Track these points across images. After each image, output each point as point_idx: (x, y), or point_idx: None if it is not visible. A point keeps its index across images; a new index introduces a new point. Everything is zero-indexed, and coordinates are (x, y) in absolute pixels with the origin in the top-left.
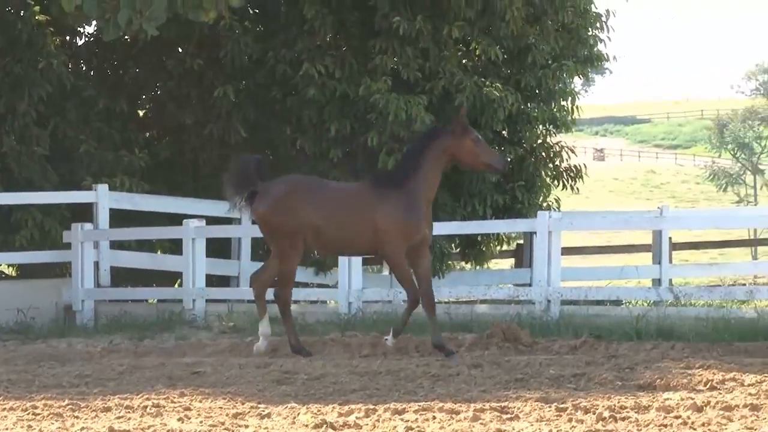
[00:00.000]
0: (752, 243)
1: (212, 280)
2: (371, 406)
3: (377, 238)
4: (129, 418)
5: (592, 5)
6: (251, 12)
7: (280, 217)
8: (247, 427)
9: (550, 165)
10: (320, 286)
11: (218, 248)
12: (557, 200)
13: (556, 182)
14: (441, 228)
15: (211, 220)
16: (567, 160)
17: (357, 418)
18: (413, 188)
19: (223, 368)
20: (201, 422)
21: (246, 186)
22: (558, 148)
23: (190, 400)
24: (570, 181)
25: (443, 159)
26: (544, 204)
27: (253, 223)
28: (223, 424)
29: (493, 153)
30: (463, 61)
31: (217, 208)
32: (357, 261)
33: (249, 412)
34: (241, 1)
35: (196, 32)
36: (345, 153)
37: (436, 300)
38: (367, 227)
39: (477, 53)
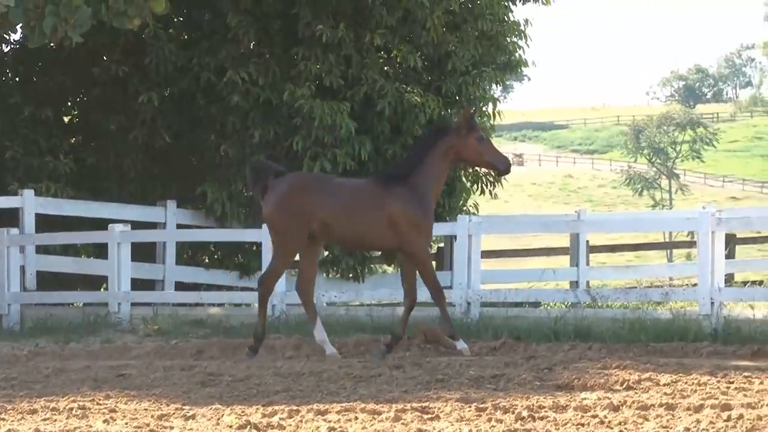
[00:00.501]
0: (667, 246)
1: (137, 284)
2: (294, 407)
3: (396, 235)
4: (55, 420)
5: (511, 13)
6: (175, 20)
7: (284, 214)
8: (172, 428)
9: (470, 170)
10: (244, 289)
11: (143, 252)
12: (476, 205)
13: (475, 187)
14: None
15: (136, 225)
16: None
17: (280, 418)
18: (421, 185)
19: (148, 370)
20: (126, 424)
21: (258, 183)
22: None
23: (115, 402)
24: (489, 186)
25: (449, 157)
26: (464, 208)
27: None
28: (148, 425)
29: (496, 153)
30: (385, 68)
31: (142, 212)
32: None
33: (174, 413)
34: (166, 8)
35: (121, 39)
36: (269, 158)
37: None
38: (380, 224)
39: (398, 60)
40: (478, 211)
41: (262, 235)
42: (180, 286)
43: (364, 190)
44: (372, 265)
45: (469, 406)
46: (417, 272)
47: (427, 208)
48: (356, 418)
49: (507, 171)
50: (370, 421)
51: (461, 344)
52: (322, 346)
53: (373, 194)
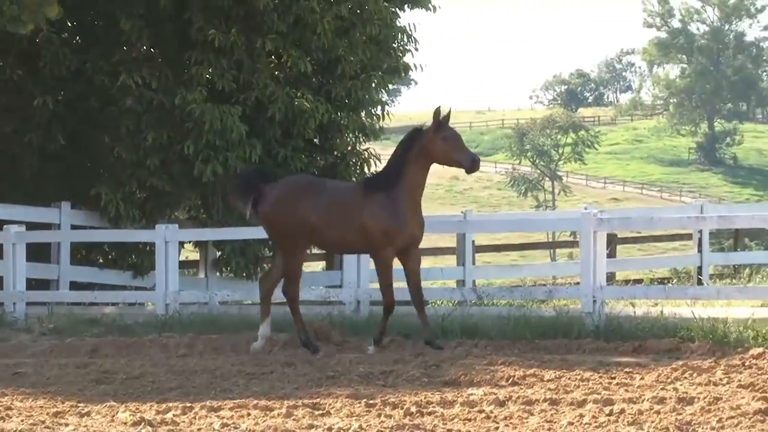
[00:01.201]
0: (551, 245)
1: (32, 284)
2: (188, 404)
3: (366, 239)
4: None
5: (398, 19)
6: (69, 24)
7: (280, 217)
8: (67, 425)
9: (360, 171)
10: (138, 288)
11: (38, 253)
12: None
13: None
14: (253, 232)
15: (31, 226)
16: (375, 166)
17: (174, 415)
18: (398, 190)
19: (43, 369)
20: (22, 421)
21: (249, 192)
22: (367, 155)
23: (11, 399)
24: None
25: (423, 158)
26: None
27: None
28: (43, 422)
29: (461, 151)
30: (276, 72)
31: (37, 214)
32: (173, 265)
33: (69, 410)
34: (59, 13)
35: (16, 44)
36: (162, 161)
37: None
38: (354, 227)
39: (289, 65)
40: None
41: (154, 235)
42: (75, 286)
43: (347, 195)
44: (264, 265)
45: (359, 402)
46: (417, 273)
47: (399, 214)
48: (249, 414)
49: (473, 168)
50: (263, 417)
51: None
52: (257, 338)
53: (353, 199)
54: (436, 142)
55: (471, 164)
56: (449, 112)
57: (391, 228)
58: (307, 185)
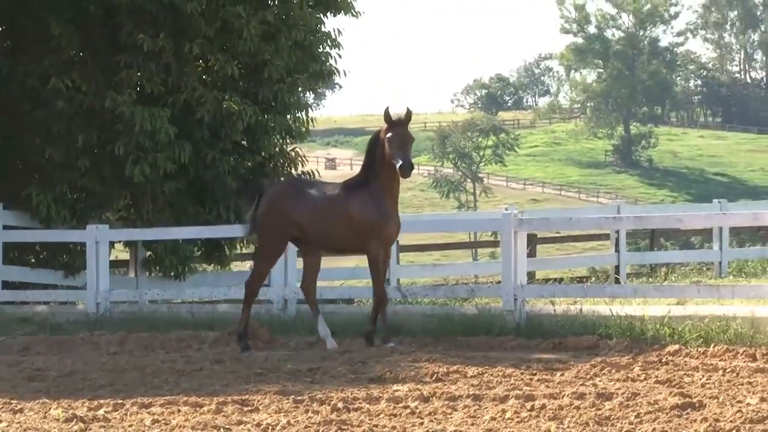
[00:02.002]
0: (473, 245)
1: None
2: (119, 401)
3: (354, 232)
4: None
5: (323, 24)
6: (0, 28)
7: (269, 218)
8: (0, 422)
9: (286, 172)
10: (69, 287)
11: None
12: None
13: None
14: (183, 232)
15: None
16: (302, 167)
17: (106, 411)
18: (375, 187)
19: None
20: None
21: (253, 198)
22: (293, 155)
23: None
24: None
25: (382, 155)
26: None
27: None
28: None
29: (399, 154)
30: (204, 76)
31: None
32: (104, 264)
33: (2, 407)
34: None
35: None
36: (92, 162)
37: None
38: (343, 221)
39: (216, 69)
40: None
41: (85, 235)
42: (7, 285)
43: (332, 195)
44: (192, 265)
45: (287, 399)
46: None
47: (382, 207)
48: (179, 411)
49: (402, 173)
50: (193, 413)
51: (390, 343)
52: (324, 339)
53: (337, 196)
54: (383, 141)
55: (401, 168)
56: (407, 112)
57: (375, 220)
58: (293, 187)
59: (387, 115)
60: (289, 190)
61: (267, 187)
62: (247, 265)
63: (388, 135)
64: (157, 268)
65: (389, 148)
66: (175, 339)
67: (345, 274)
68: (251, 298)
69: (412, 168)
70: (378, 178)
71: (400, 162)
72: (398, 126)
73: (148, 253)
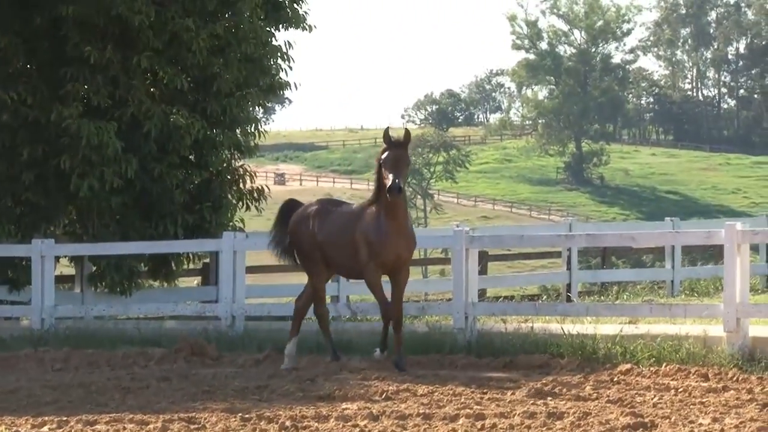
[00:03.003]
0: (423, 262)
1: None
2: (64, 418)
3: (355, 255)
4: None
5: (274, 38)
6: None
7: (296, 238)
8: None
9: (235, 187)
10: (14, 303)
11: None
12: (242, 220)
13: (241, 203)
14: (130, 247)
15: None
16: (251, 183)
17: (50, 429)
18: (377, 208)
19: None
20: None
21: (284, 220)
22: (242, 171)
23: None
24: (254, 203)
25: (382, 177)
26: (230, 224)
27: None
28: None
29: (390, 174)
30: (152, 89)
31: None
32: (49, 279)
33: None
34: None
35: None
36: (37, 176)
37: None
38: (351, 249)
39: (164, 82)
40: (244, 226)
41: (30, 250)
42: None
43: (347, 218)
44: (139, 280)
45: (235, 417)
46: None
47: (381, 227)
48: (124, 429)
49: (390, 193)
50: (138, 431)
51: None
52: (286, 356)
53: (349, 221)
54: (379, 163)
55: (388, 190)
56: (405, 133)
57: (373, 240)
58: (321, 207)
59: (386, 136)
60: (317, 210)
61: (298, 207)
62: (194, 282)
63: (383, 156)
64: (103, 283)
65: (384, 169)
66: (122, 355)
67: (293, 291)
68: (323, 321)
69: (400, 191)
70: (379, 201)
71: (389, 182)
72: (395, 147)
73: (94, 268)
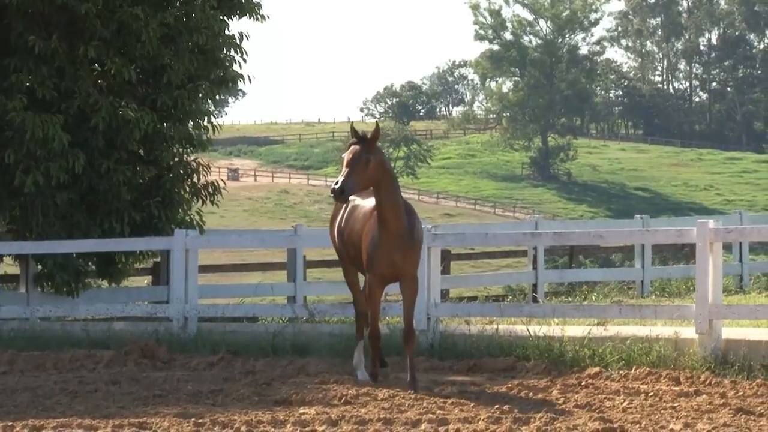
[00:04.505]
0: None
1: None
2: (9, 423)
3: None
4: None
5: (227, 28)
6: None
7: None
8: None
9: (188, 182)
10: None
11: None
12: (199, 213)
13: (195, 198)
14: (78, 246)
15: None
16: (205, 176)
17: None
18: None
19: None
20: None
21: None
22: (195, 165)
23: None
24: (209, 197)
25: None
26: (187, 218)
27: None
28: None
29: (345, 173)
30: (99, 81)
31: None
32: None
33: None
34: None
35: None
36: None
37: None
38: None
39: (112, 73)
40: (203, 220)
41: None
42: None
43: (362, 214)
44: (87, 280)
45: (188, 422)
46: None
47: (374, 235)
48: None
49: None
50: None
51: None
52: (354, 368)
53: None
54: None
55: (331, 192)
56: (375, 128)
57: (368, 247)
58: (352, 205)
59: (352, 130)
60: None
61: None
62: (145, 281)
63: (346, 154)
64: (49, 283)
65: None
66: (69, 358)
67: (248, 291)
68: (359, 319)
69: (342, 193)
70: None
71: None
72: (354, 144)
73: (40, 267)
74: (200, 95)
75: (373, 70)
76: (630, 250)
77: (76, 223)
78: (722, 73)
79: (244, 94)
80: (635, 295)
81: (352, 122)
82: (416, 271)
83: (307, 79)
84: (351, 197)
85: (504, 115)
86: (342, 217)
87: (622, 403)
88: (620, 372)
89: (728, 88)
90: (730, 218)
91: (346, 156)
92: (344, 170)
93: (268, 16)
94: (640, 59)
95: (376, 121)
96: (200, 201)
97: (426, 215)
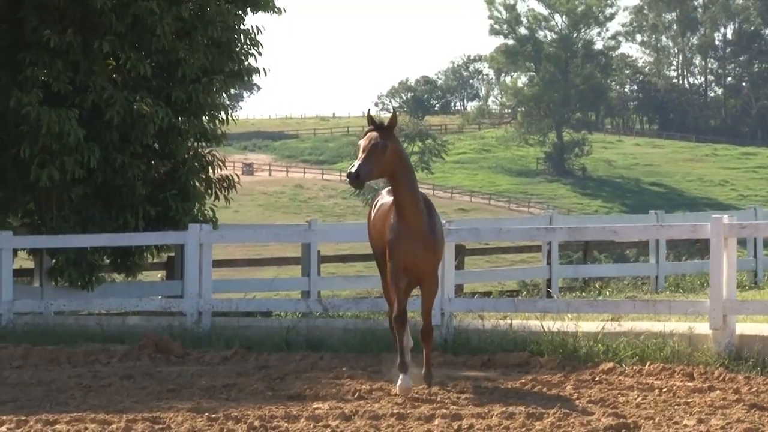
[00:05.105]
0: None
1: None
2: (23, 417)
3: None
4: None
5: (242, 22)
6: None
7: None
8: None
9: (203, 175)
10: None
11: None
12: (212, 209)
13: (209, 191)
14: (92, 240)
15: None
16: (219, 170)
17: (8, 429)
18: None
19: None
20: None
21: None
22: (210, 158)
23: None
24: (223, 191)
25: None
26: (200, 213)
27: None
28: None
29: (362, 158)
30: (114, 75)
31: None
32: (7, 273)
33: None
34: None
35: None
36: None
37: (392, 323)
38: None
39: (127, 67)
40: (215, 216)
41: None
42: None
43: (385, 208)
44: (101, 274)
45: (201, 417)
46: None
47: (393, 227)
48: (86, 429)
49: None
50: (101, 431)
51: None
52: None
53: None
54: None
55: (347, 176)
56: (392, 116)
57: (389, 240)
58: (383, 199)
59: (368, 118)
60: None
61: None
62: (159, 276)
63: (362, 140)
64: (63, 277)
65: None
66: (83, 353)
67: (262, 285)
68: (392, 325)
69: (357, 177)
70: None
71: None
72: (371, 130)
73: (54, 261)
74: (215, 89)
75: (388, 65)
76: (645, 246)
77: (91, 217)
78: (737, 68)
79: (259, 88)
80: (649, 291)
81: (369, 110)
82: (436, 269)
83: (322, 74)
84: (379, 197)
85: (519, 110)
86: (370, 218)
87: (635, 399)
88: (634, 368)
89: (743, 83)
90: (744, 213)
91: (363, 141)
92: (361, 155)
93: (284, 9)
94: (655, 54)
95: (394, 110)
96: (213, 195)
97: (440, 210)
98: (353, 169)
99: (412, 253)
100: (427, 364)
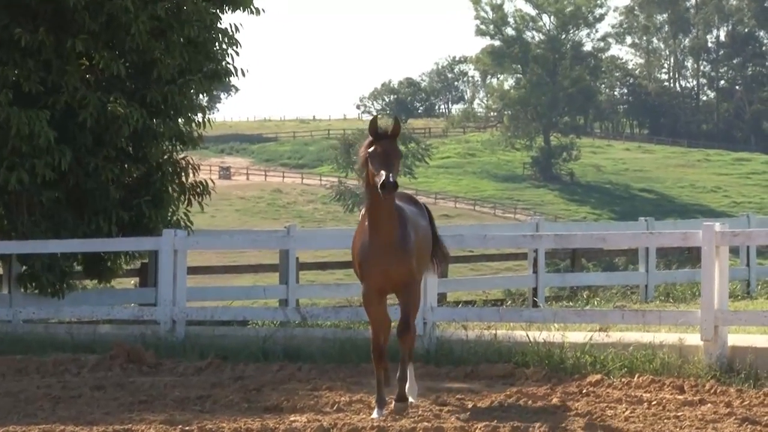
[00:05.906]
0: None
1: None
2: None
3: None
4: None
5: (220, 21)
6: None
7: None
8: None
9: (177, 181)
10: None
11: None
12: (186, 215)
13: (183, 197)
14: (63, 246)
15: None
16: (193, 176)
17: None
18: (365, 214)
19: None
20: None
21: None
22: (184, 164)
23: None
24: (197, 197)
25: (369, 175)
26: (174, 219)
27: None
28: None
29: (380, 173)
30: (87, 75)
31: None
32: None
33: None
34: None
35: None
36: None
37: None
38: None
39: (101, 67)
40: (190, 222)
41: None
42: None
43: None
44: (72, 281)
45: (174, 429)
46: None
47: (363, 241)
48: None
49: (384, 190)
50: None
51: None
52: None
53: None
54: (363, 160)
55: (381, 187)
56: (395, 123)
57: (358, 255)
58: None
59: (373, 126)
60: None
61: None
62: (131, 283)
63: (370, 150)
64: (33, 284)
65: (371, 165)
66: (52, 362)
67: (239, 293)
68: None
69: (396, 187)
70: (367, 203)
71: (382, 178)
72: (383, 139)
73: (24, 268)
74: (191, 90)
75: (370, 66)
76: (634, 254)
77: (63, 222)
78: (731, 71)
79: (236, 89)
80: (639, 300)
81: (375, 116)
82: (413, 278)
83: (302, 75)
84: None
85: (505, 113)
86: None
87: (624, 412)
88: (622, 380)
89: (737, 87)
90: (737, 221)
91: (385, 148)
92: (390, 162)
93: (263, 10)
94: (646, 56)
95: (395, 117)
96: (187, 201)
97: None
98: (392, 179)
99: (383, 265)
100: (402, 366)
